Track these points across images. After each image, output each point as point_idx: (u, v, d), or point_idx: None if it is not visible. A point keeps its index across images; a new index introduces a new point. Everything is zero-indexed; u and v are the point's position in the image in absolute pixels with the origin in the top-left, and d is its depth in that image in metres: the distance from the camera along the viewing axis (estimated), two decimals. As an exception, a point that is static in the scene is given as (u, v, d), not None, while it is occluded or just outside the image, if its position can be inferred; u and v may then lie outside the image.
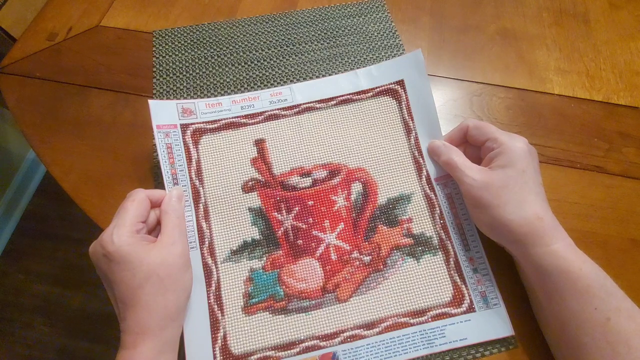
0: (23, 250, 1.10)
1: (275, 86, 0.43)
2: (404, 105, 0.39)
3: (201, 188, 0.36)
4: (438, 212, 0.36)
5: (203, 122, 0.38)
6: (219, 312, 0.33)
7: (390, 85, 0.40)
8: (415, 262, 0.34)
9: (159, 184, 0.39)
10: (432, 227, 0.35)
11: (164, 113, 0.37)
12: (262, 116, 0.39)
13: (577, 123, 0.42)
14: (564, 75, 0.45)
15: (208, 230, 0.35)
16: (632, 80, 0.45)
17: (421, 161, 0.37)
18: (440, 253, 0.35)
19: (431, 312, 0.33)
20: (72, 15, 0.50)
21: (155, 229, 0.33)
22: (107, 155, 0.41)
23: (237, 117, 0.39)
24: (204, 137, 0.38)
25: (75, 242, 1.11)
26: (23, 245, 1.11)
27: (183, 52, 0.46)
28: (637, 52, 0.47)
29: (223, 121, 0.39)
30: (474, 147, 0.35)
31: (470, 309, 0.33)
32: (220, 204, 0.36)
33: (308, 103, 0.40)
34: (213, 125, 0.38)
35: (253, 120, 0.39)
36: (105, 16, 0.50)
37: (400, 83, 0.39)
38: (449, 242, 0.35)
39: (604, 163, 0.40)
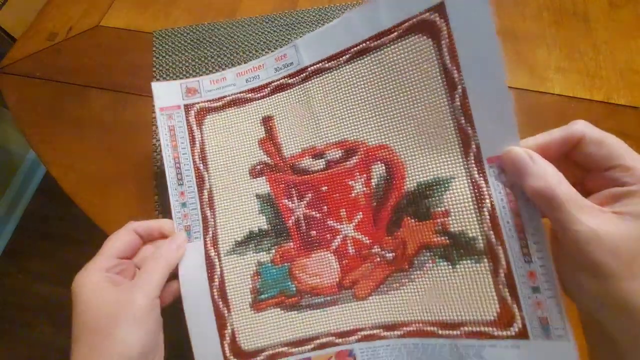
0: (23, 250, 1.10)
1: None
2: (444, 46, 0.26)
3: (205, 173, 0.33)
4: (488, 205, 0.25)
5: (207, 101, 0.35)
6: (225, 308, 0.31)
7: (424, 16, 0.26)
8: (450, 267, 0.27)
9: (159, 184, 0.39)
10: (477, 226, 0.26)
11: (167, 95, 0.35)
12: (268, 88, 0.34)
13: (577, 122, 0.42)
14: (564, 75, 0.45)
15: (212, 219, 0.32)
16: (633, 80, 0.45)
17: (469, 131, 0.25)
18: (486, 260, 0.25)
19: (465, 328, 0.26)
20: (72, 15, 0.50)
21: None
22: (107, 155, 0.41)
23: (242, 91, 0.35)
24: (208, 116, 0.34)
25: (75, 242, 1.11)
26: (23, 245, 1.11)
27: (183, 52, 0.46)
28: (637, 51, 0.47)
29: (228, 98, 0.35)
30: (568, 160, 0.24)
31: (521, 335, 0.24)
32: (226, 190, 0.33)
33: (316, 64, 0.32)
34: (217, 104, 0.35)
35: (259, 95, 0.34)
36: (105, 16, 0.50)
37: (439, 9, 0.26)
38: (500, 247, 0.25)
39: (604, 162, 0.40)
